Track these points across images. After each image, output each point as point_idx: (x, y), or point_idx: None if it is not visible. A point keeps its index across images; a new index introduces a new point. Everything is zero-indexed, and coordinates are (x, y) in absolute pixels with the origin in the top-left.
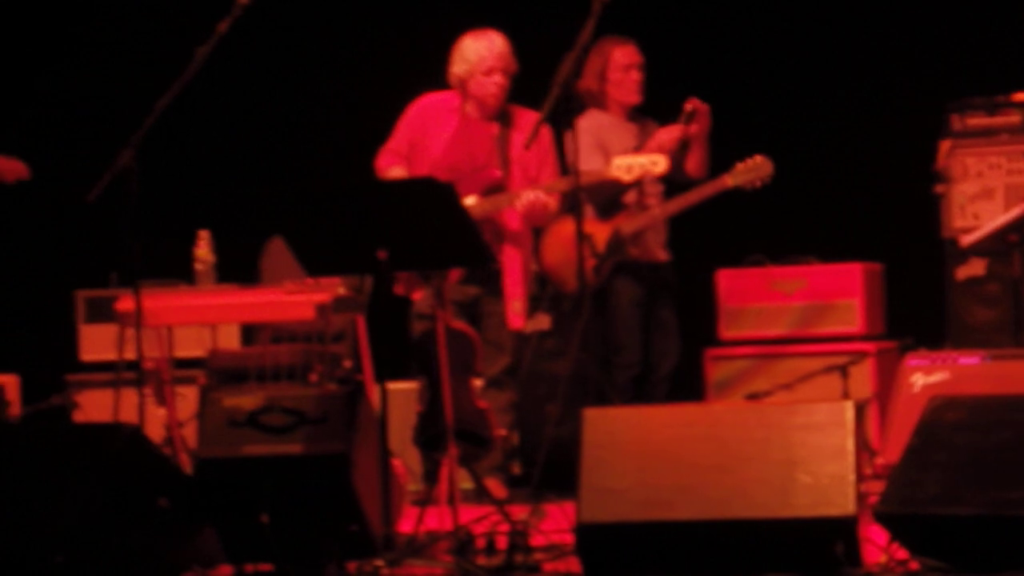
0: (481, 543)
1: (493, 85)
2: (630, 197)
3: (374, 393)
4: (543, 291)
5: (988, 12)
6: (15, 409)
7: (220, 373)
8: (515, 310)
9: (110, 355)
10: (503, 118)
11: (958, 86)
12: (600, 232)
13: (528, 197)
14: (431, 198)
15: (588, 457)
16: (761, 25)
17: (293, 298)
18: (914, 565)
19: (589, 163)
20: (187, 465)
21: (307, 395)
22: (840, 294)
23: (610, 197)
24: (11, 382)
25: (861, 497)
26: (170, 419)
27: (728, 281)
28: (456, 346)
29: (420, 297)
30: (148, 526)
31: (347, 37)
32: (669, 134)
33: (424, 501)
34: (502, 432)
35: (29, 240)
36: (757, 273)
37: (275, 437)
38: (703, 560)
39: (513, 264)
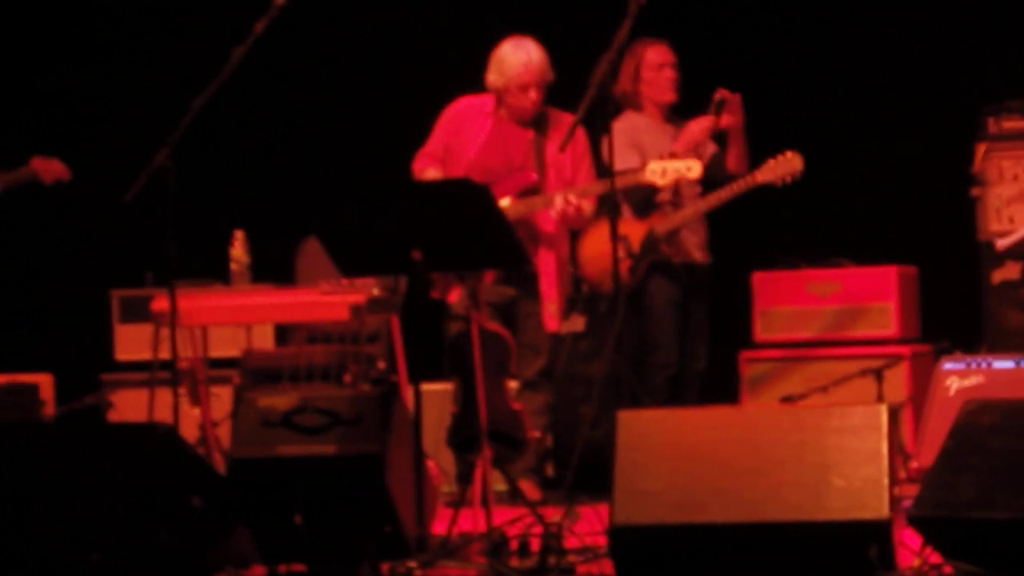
0: (514, 545)
1: (528, 100)
2: (665, 196)
3: (408, 394)
4: (578, 293)
5: None
6: (49, 409)
7: (254, 373)
8: (551, 312)
9: (145, 355)
10: (539, 121)
11: (994, 89)
12: (635, 233)
13: (560, 203)
14: (466, 199)
15: (622, 459)
16: (798, 27)
17: (328, 298)
18: (948, 569)
19: (624, 162)
20: (221, 465)
21: (341, 396)
22: (875, 297)
23: (646, 197)
24: (46, 381)
25: (895, 501)
26: (204, 419)
27: (763, 284)
28: (490, 347)
29: (455, 298)
30: (182, 526)
31: (385, 38)
32: (699, 125)
33: (457, 503)
34: (536, 434)
35: (65, 239)
36: (792, 276)
37: (309, 438)
38: (736, 563)
39: (549, 266)
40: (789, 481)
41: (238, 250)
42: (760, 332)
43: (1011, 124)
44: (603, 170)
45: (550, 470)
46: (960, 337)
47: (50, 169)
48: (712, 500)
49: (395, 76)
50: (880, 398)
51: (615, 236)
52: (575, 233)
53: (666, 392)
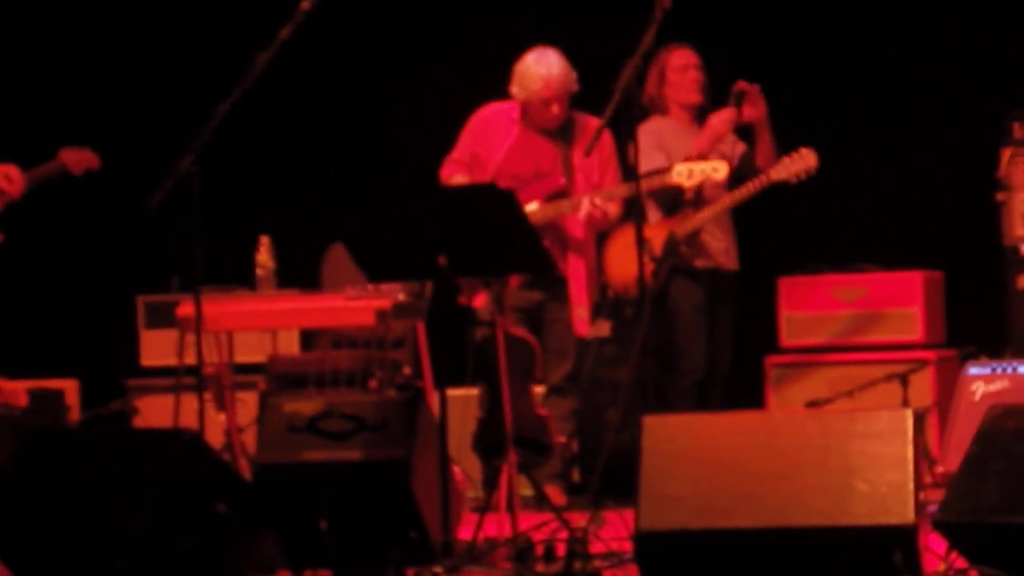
0: (540, 550)
1: (549, 113)
2: (688, 196)
3: (434, 399)
4: (604, 298)
5: None
6: (75, 414)
7: (280, 379)
8: (580, 316)
9: (170, 360)
10: (566, 126)
11: (1020, 94)
12: (656, 236)
13: (586, 206)
14: (491, 204)
15: (647, 464)
16: (824, 31)
17: (353, 304)
18: (973, 574)
19: (650, 163)
20: (246, 471)
21: (367, 401)
22: (901, 302)
23: (674, 197)
24: (71, 387)
25: (920, 506)
26: (230, 424)
27: (789, 289)
28: (516, 353)
29: (481, 303)
30: (208, 531)
31: (413, 44)
32: (720, 117)
33: (483, 508)
34: (562, 439)
35: (91, 245)
36: (818, 281)
37: (335, 443)
38: (761, 568)
39: (578, 271)
40: (814, 486)
41: (264, 255)
42: (786, 337)
43: None
44: (630, 173)
45: (576, 475)
46: (985, 342)
47: (80, 159)
48: (737, 505)
49: (422, 82)
50: (905, 403)
51: (641, 240)
52: (601, 237)
53: (693, 397)
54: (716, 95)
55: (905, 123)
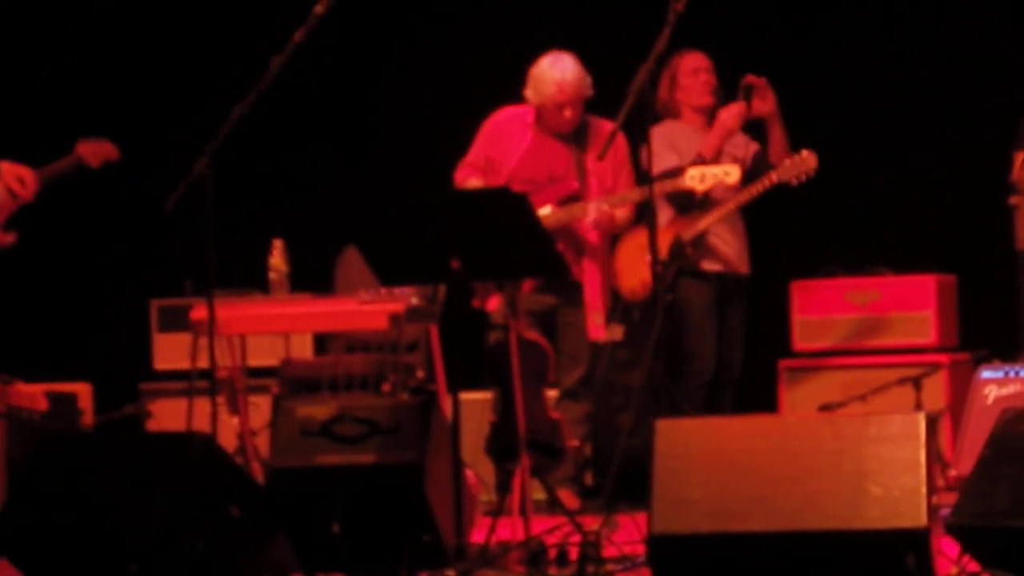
0: (553, 554)
1: (563, 118)
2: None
3: (447, 403)
4: (616, 302)
5: None
6: (88, 418)
7: (293, 382)
8: (595, 321)
9: (183, 364)
10: (579, 130)
11: None
12: (662, 239)
13: (592, 212)
14: (504, 208)
15: (660, 468)
16: (837, 36)
17: (366, 308)
18: None
19: (661, 163)
20: (259, 474)
21: (380, 405)
22: (914, 306)
23: (688, 197)
24: (84, 391)
25: (933, 509)
26: (243, 428)
27: (802, 293)
28: (529, 356)
29: (494, 307)
30: (220, 535)
31: (427, 47)
32: (729, 112)
33: (496, 511)
34: (574, 443)
35: (104, 248)
36: (831, 285)
37: (348, 447)
38: (774, 572)
39: (593, 275)
40: (827, 490)
41: (277, 259)
42: (799, 341)
43: None
44: (643, 177)
45: (589, 479)
46: (998, 346)
47: (98, 151)
48: (750, 509)
49: (436, 85)
50: (918, 406)
51: (654, 244)
52: (611, 243)
53: (701, 398)
54: (726, 99)
55: (917, 127)
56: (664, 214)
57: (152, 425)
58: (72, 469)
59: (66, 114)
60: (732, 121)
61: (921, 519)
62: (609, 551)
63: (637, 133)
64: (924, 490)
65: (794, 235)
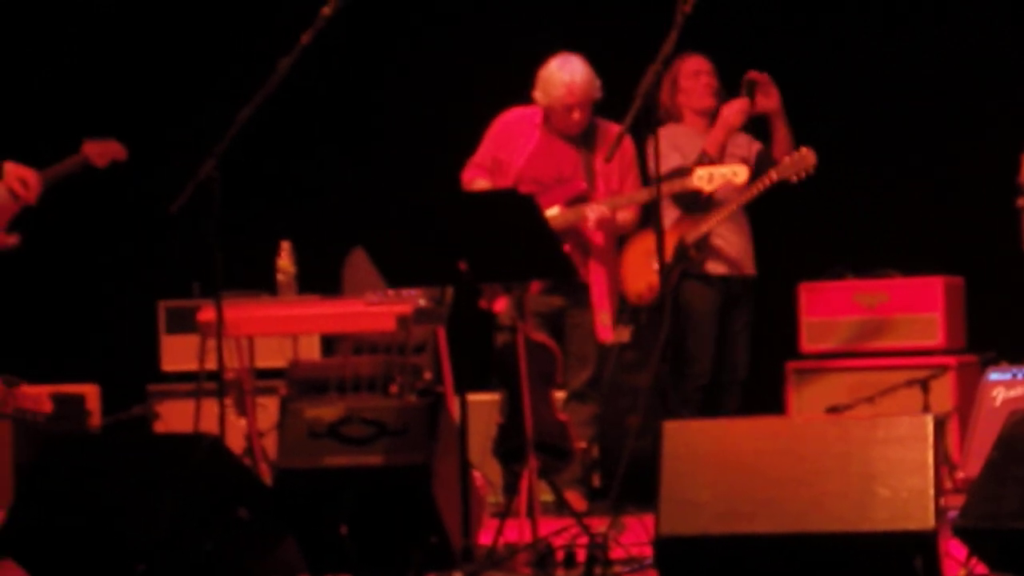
0: (560, 556)
1: (571, 120)
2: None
3: (454, 405)
4: (624, 303)
5: None
6: (96, 419)
7: (301, 384)
8: (603, 322)
9: (191, 365)
10: (587, 131)
11: None
12: (667, 242)
13: (593, 214)
14: (512, 210)
15: (668, 470)
16: (843, 37)
17: (374, 309)
18: None
19: (666, 164)
20: (267, 476)
21: (387, 406)
22: (921, 307)
23: (694, 197)
24: (92, 392)
25: (941, 511)
26: (251, 429)
27: (810, 294)
28: (537, 358)
29: (501, 308)
30: (228, 536)
31: (433, 48)
32: (732, 108)
33: (504, 513)
34: (582, 444)
35: (112, 250)
36: (839, 286)
37: (355, 448)
38: (782, 573)
39: (600, 276)
40: (834, 492)
41: (284, 260)
42: (806, 342)
43: None
44: (649, 180)
45: (596, 480)
46: (1006, 347)
47: (105, 151)
48: (757, 511)
49: (444, 86)
50: (926, 408)
51: (661, 248)
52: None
53: (698, 402)
54: (728, 100)
55: (924, 129)
56: (669, 215)
57: (160, 426)
58: (79, 470)
59: (73, 114)
60: (735, 117)
61: (929, 521)
62: (617, 553)
63: (645, 136)
64: (932, 492)
65: (802, 237)
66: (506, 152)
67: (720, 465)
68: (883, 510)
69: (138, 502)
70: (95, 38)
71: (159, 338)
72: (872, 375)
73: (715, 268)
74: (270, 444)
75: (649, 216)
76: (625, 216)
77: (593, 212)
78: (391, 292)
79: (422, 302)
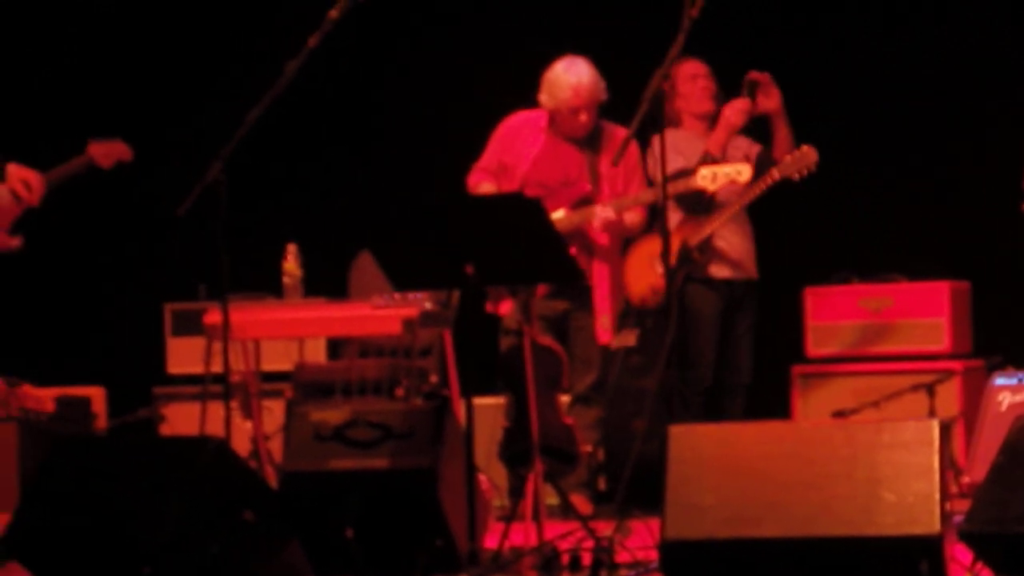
0: (566, 559)
1: (578, 122)
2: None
3: (460, 408)
4: (630, 307)
5: None
6: (102, 422)
7: (307, 387)
8: (603, 325)
9: (197, 368)
10: (593, 134)
11: None
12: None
13: (598, 217)
14: (518, 213)
15: (673, 473)
16: (847, 39)
17: (380, 312)
18: None
19: (669, 166)
20: (273, 479)
21: (393, 410)
22: (927, 312)
23: (697, 198)
24: (98, 394)
25: (946, 516)
26: (256, 432)
27: (815, 298)
28: (543, 362)
29: (507, 311)
30: (234, 539)
31: (439, 52)
32: (733, 108)
33: (509, 517)
34: (588, 448)
35: (118, 253)
36: (844, 291)
37: (361, 451)
38: None
39: (603, 279)
40: (840, 496)
41: (291, 263)
42: (812, 347)
43: None
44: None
45: (602, 484)
46: (1012, 352)
47: (110, 152)
48: (763, 515)
49: (451, 90)
50: (932, 413)
51: (667, 251)
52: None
53: (700, 405)
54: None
55: (930, 133)
56: (672, 218)
57: (166, 429)
58: (85, 472)
59: (78, 115)
60: (736, 117)
61: (935, 526)
62: (622, 556)
63: (650, 139)
64: (938, 497)
65: (807, 241)
66: (511, 155)
67: (726, 469)
68: (889, 514)
69: (144, 505)
70: (99, 39)
71: (165, 341)
72: (878, 380)
73: (718, 272)
74: (276, 447)
75: (654, 219)
76: (632, 218)
77: (598, 214)
78: (397, 295)
79: (428, 305)
